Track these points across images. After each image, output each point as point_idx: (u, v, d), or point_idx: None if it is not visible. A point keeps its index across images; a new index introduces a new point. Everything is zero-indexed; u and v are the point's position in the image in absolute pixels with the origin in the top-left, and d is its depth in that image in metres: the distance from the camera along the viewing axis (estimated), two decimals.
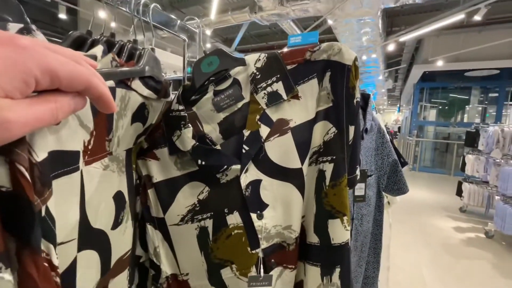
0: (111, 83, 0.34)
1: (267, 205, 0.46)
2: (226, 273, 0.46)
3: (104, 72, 0.29)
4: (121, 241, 0.40)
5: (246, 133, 0.45)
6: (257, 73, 0.46)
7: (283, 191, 0.46)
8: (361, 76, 6.62)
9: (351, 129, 0.46)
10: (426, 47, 5.70)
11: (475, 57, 5.24)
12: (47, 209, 0.23)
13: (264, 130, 0.45)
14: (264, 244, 0.46)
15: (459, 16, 3.56)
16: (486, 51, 4.96)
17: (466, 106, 7.52)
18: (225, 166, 0.44)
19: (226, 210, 0.45)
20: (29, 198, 0.20)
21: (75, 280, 0.30)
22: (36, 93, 0.18)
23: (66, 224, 0.28)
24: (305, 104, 0.46)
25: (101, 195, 0.35)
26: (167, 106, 0.47)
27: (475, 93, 7.19)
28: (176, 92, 0.48)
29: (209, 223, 0.46)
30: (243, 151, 0.44)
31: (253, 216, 0.45)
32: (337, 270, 0.46)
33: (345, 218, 0.46)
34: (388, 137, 0.98)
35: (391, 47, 4.83)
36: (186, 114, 0.45)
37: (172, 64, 3.57)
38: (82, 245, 0.31)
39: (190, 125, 0.45)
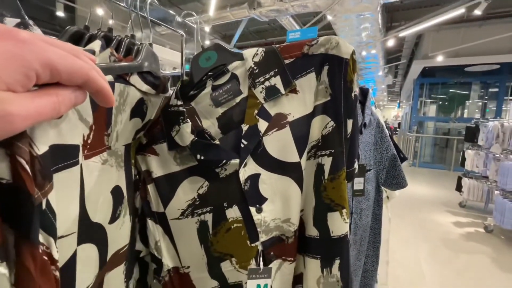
0: (110, 78, 0.34)
1: (266, 199, 0.46)
2: (226, 266, 0.47)
3: (103, 67, 0.29)
4: (118, 236, 0.40)
5: (245, 127, 0.45)
6: (255, 67, 0.46)
7: (281, 185, 0.46)
8: (361, 72, 6.60)
9: (349, 122, 0.46)
10: (426, 42, 5.67)
11: (475, 52, 5.21)
12: (47, 202, 0.23)
13: (262, 125, 0.45)
14: (263, 237, 0.46)
15: (459, 11, 3.54)
16: (487, 46, 4.93)
17: (466, 102, 7.50)
18: (224, 161, 0.44)
19: (225, 204, 0.46)
20: (29, 190, 0.20)
21: (75, 273, 0.30)
22: (37, 87, 0.19)
23: (66, 218, 0.29)
24: (303, 98, 0.47)
25: (100, 189, 0.35)
26: (166, 101, 0.47)
27: (475, 88, 7.16)
28: (174, 87, 0.48)
29: (209, 217, 0.46)
30: (242, 145, 0.45)
31: (252, 209, 0.45)
32: (337, 262, 0.47)
33: (344, 211, 0.46)
34: (387, 131, 0.99)
35: (391, 43, 4.80)
36: (184, 109, 0.46)
37: (172, 61, 3.56)
38: (82, 239, 0.32)
39: (188, 120, 0.45)
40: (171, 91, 0.48)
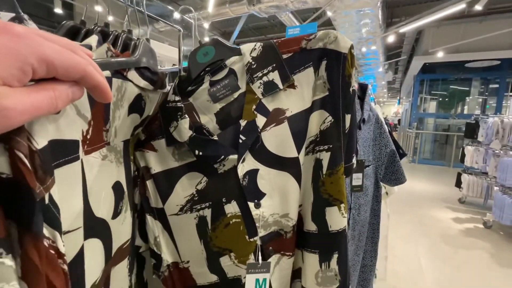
0: (107, 73, 0.34)
1: (264, 194, 0.46)
2: (225, 261, 0.47)
3: (100, 62, 0.29)
4: (121, 231, 0.40)
5: (243, 123, 0.45)
6: (253, 62, 0.46)
7: (280, 180, 0.47)
8: (361, 68, 6.57)
9: (348, 117, 0.46)
10: (426, 38, 5.64)
11: (475, 48, 5.19)
12: (50, 197, 0.23)
13: (260, 120, 0.45)
14: (262, 232, 0.46)
15: (460, 6, 3.52)
16: (487, 42, 4.91)
17: (467, 98, 7.48)
18: (222, 156, 0.45)
19: (224, 200, 0.46)
20: (29, 184, 0.20)
21: (83, 267, 0.31)
22: (33, 82, 0.19)
23: (71, 213, 0.29)
24: (301, 93, 0.46)
25: (101, 184, 0.35)
26: (164, 97, 0.47)
27: (476, 84, 7.14)
28: (172, 83, 0.48)
29: (207, 213, 0.46)
30: (240, 141, 0.45)
31: (251, 205, 0.45)
32: (335, 256, 0.47)
33: (342, 205, 0.46)
34: (386, 127, 0.99)
35: (391, 39, 4.77)
36: (182, 105, 0.46)
37: (170, 57, 3.54)
38: (88, 234, 0.32)
39: (186, 116, 0.45)
40: (169, 87, 0.48)
